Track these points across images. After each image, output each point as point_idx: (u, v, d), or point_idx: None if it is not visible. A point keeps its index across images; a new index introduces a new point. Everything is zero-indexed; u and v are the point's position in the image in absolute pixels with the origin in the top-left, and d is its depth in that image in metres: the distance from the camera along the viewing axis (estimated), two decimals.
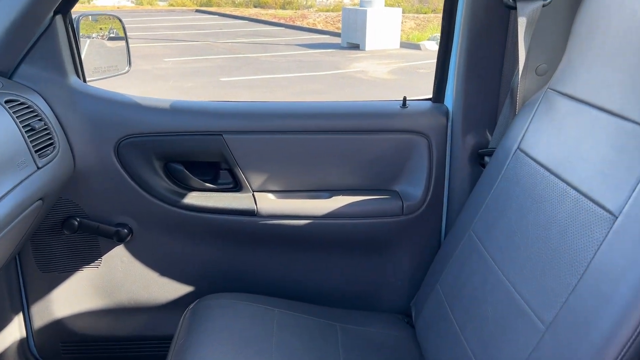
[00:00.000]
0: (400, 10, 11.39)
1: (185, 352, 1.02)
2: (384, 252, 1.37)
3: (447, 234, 1.21)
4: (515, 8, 1.09)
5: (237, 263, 1.36)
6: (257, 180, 1.30)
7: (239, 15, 16.58)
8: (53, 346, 1.40)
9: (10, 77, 1.15)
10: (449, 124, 1.30)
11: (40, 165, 1.03)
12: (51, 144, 1.11)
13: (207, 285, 1.38)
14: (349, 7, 11.66)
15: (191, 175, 1.29)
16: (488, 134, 1.27)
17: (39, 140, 1.06)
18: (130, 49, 1.42)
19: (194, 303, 1.19)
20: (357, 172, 1.32)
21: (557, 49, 1.07)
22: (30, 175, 0.99)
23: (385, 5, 11.38)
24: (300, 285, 1.39)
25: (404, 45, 10.96)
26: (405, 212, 1.30)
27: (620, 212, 0.73)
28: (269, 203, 1.29)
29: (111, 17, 1.54)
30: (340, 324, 1.20)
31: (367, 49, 10.54)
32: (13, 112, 0.99)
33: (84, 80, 1.27)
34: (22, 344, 1.38)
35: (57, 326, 1.38)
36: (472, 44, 1.21)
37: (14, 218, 0.94)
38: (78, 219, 1.26)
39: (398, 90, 6.98)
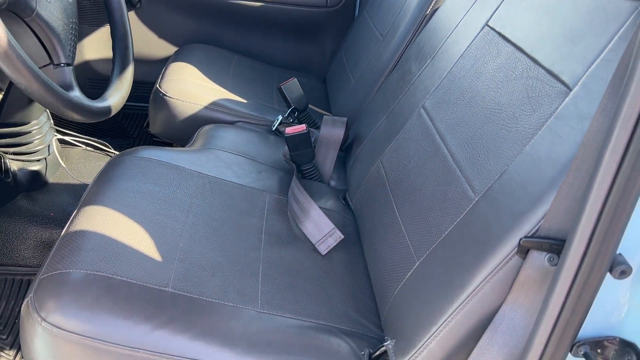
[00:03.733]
0: None
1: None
2: (312, 36, 2.00)
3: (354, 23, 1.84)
4: None
5: (211, 31, 1.97)
6: None
7: None
8: None
9: None
10: None
11: None
12: None
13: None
14: None
15: None
16: None
17: None
18: None
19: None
20: None
21: None
22: None
23: None
24: (253, 48, 2.01)
25: None
26: (328, 5, 1.91)
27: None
28: None
29: None
30: (277, 73, 1.85)
31: None
32: None
33: None
34: None
35: None
36: None
37: None
38: None
39: None
